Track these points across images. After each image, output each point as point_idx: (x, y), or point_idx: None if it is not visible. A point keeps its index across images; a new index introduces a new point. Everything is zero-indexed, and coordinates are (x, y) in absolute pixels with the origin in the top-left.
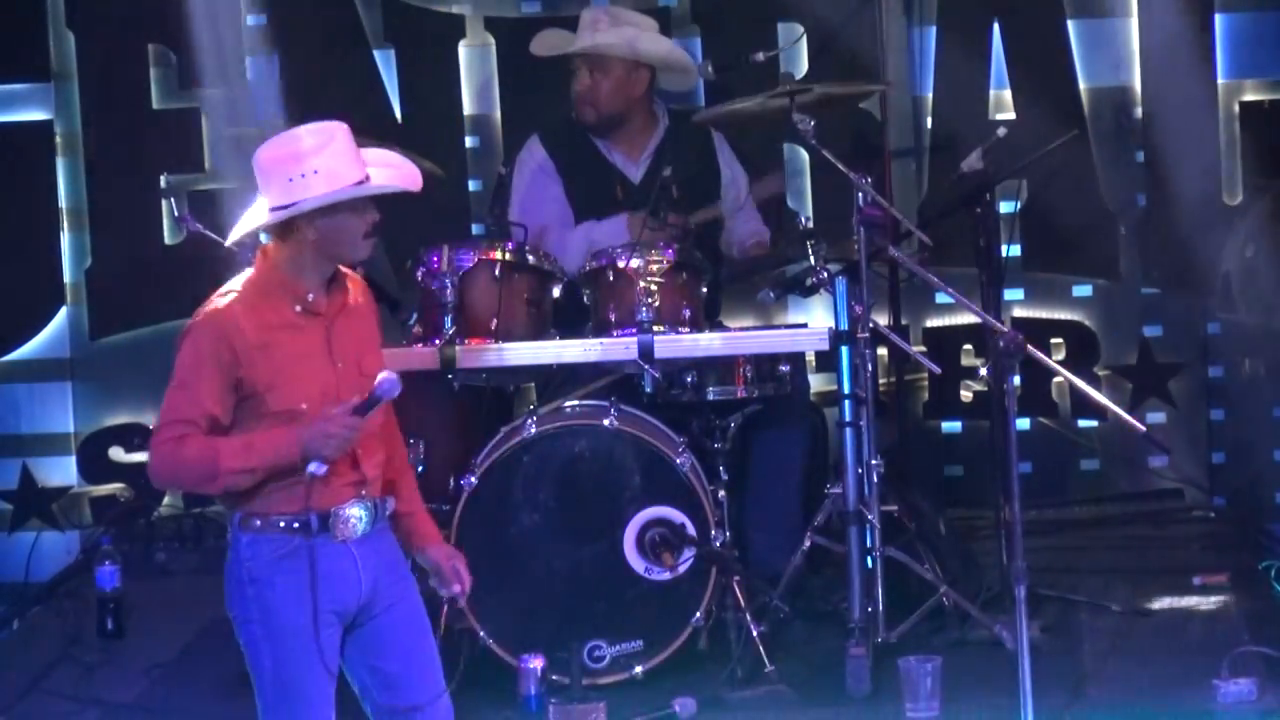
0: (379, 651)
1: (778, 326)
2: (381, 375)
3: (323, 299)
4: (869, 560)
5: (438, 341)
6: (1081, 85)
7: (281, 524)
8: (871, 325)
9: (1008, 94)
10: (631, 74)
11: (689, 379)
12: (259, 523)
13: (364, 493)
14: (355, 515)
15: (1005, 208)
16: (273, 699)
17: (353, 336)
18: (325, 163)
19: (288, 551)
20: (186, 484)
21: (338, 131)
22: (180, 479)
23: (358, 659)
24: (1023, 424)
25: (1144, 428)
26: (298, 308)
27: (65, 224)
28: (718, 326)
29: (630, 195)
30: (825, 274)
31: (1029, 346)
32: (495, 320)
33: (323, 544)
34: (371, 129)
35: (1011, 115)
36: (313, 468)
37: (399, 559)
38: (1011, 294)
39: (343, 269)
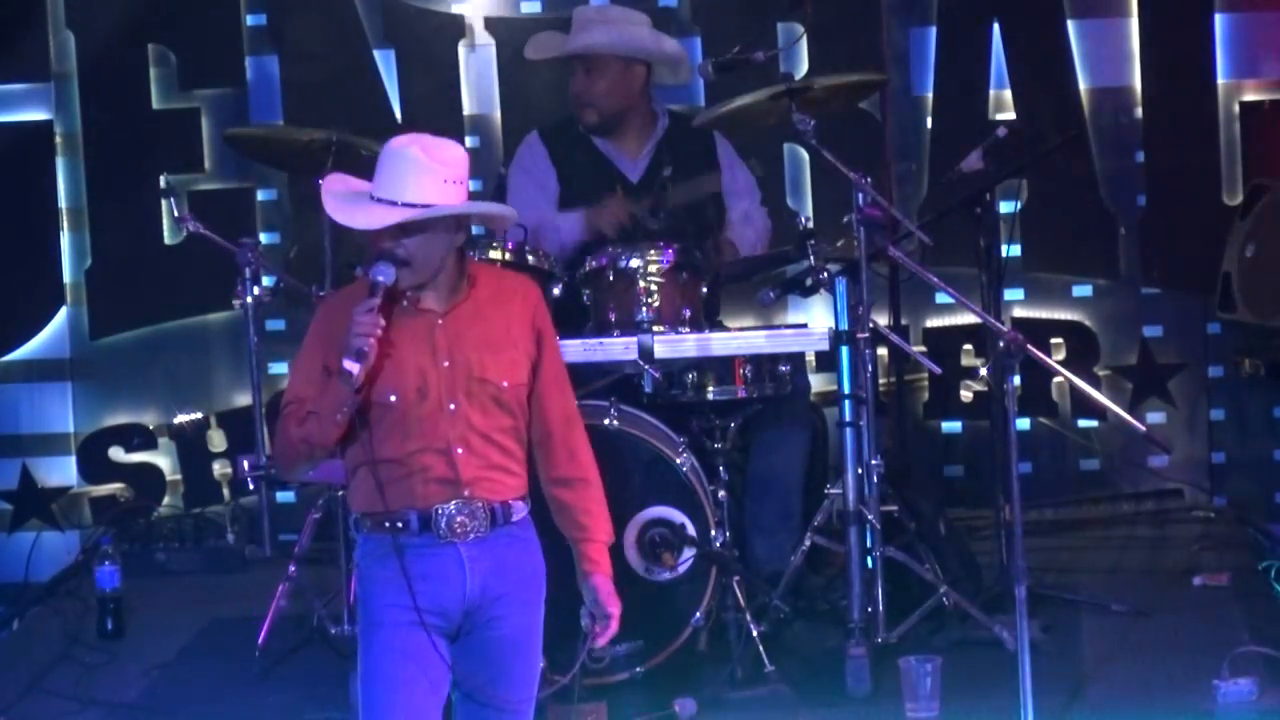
0: (471, 671)
1: (778, 326)
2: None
3: (434, 297)
4: (869, 560)
5: None
6: (1081, 85)
7: (385, 524)
8: (871, 325)
9: (1008, 94)
10: (627, 71)
11: (689, 379)
12: (367, 523)
13: (466, 494)
14: (452, 515)
15: (1005, 208)
16: (363, 695)
17: (472, 338)
18: (378, 179)
19: (387, 550)
20: (289, 456)
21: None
22: (283, 452)
23: (456, 669)
24: (1023, 424)
25: (1144, 428)
26: (404, 303)
27: (65, 224)
28: (718, 326)
29: (629, 194)
30: (825, 274)
31: (1029, 346)
32: None
33: (424, 544)
34: (371, 129)
35: (1011, 115)
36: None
37: (524, 569)
38: (1011, 294)
39: (484, 267)
